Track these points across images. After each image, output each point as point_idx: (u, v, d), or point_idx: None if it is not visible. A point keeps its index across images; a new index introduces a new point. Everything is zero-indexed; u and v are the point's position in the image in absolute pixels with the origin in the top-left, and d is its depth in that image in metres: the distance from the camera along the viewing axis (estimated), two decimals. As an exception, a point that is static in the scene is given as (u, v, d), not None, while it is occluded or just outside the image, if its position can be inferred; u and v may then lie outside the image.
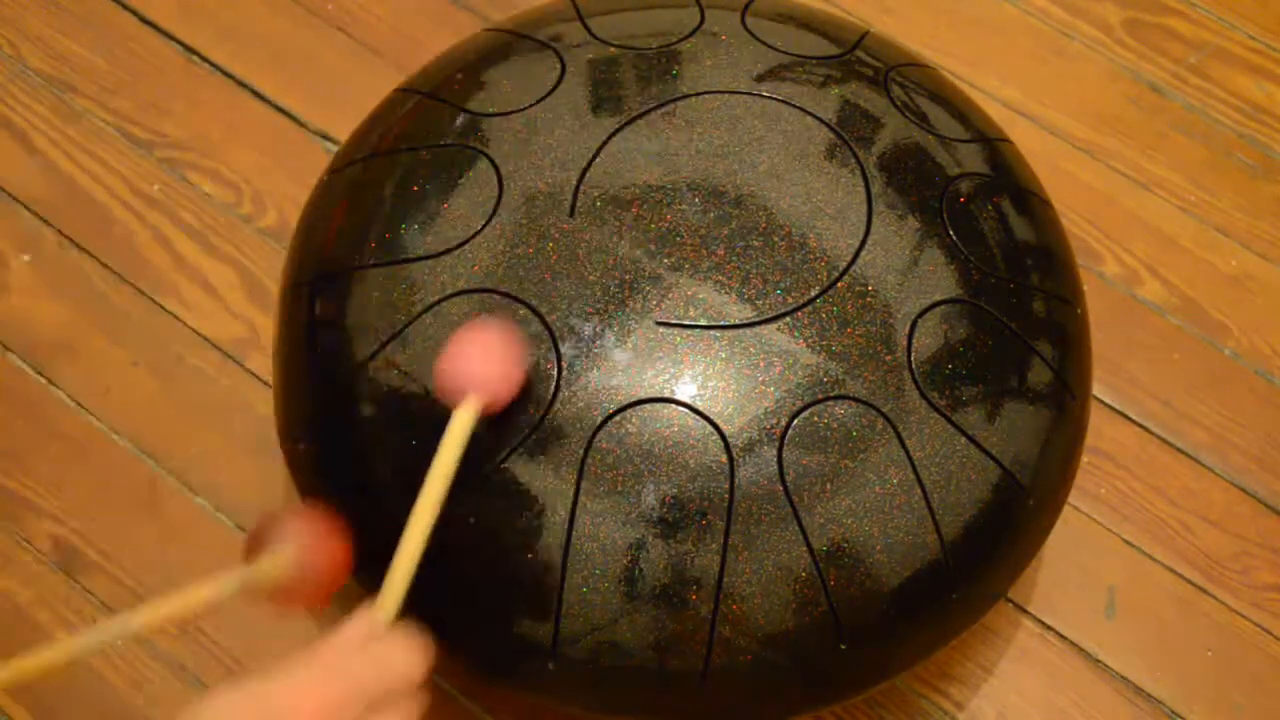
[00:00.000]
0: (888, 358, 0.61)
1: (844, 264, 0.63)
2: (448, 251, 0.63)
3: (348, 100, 0.94)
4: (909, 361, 0.62)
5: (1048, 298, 0.68)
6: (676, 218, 0.63)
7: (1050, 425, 0.66)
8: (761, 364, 0.60)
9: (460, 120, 0.68)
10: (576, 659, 0.61)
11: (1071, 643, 0.83)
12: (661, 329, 0.61)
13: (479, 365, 0.56)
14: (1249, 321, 0.94)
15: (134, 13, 1.04)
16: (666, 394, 0.59)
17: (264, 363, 0.90)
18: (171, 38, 1.03)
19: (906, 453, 0.60)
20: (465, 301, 0.62)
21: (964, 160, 0.69)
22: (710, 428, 0.59)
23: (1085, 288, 0.73)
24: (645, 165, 0.65)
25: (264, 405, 0.88)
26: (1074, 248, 0.74)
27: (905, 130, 0.69)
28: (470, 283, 0.62)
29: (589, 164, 0.65)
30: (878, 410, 0.60)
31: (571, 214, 0.63)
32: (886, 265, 0.63)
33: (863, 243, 0.64)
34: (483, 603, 0.62)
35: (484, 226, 0.64)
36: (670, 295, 0.61)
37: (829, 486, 0.59)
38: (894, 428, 0.60)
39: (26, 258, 0.94)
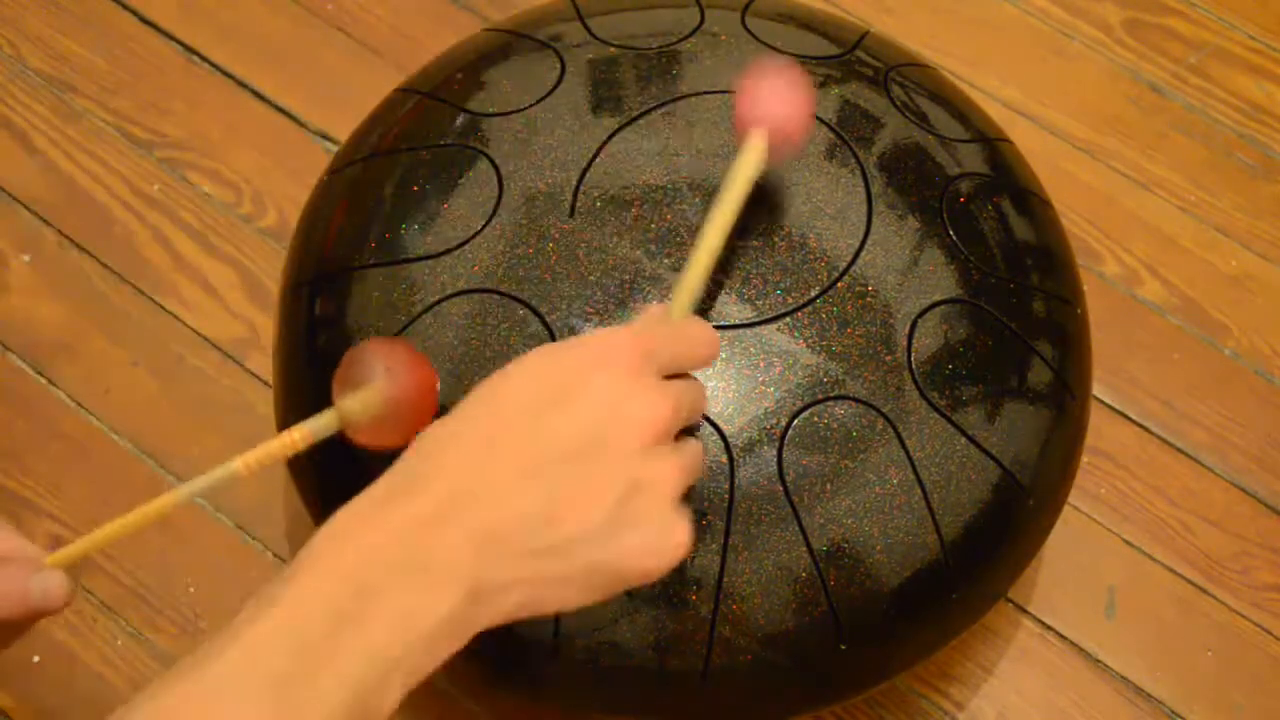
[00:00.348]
0: (888, 358, 0.61)
1: (844, 264, 0.63)
2: (448, 252, 0.63)
3: (348, 100, 0.94)
4: (909, 361, 0.62)
5: (1048, 298, 0.68)
6: (676, 218, 0.63)
7: (1050, 425, 0.66)
8: (761, 364, 0.60)
9: (460, 120, 0.68)
10: (576, 659, 0.61)
11: (1071, 643, 0.83)
12: (661, 329, 0.61)
13: (781, 101, 0.57)
14: (1249, 321, 0.94)
15: (134, 13, 1.04)
16: (666, 394, 0.59)
17: (264, 363, 0.90)
18: (171, 38, 1.03)
19: (906, 453, 0.60)
20: (465, 302, 0.62)
21: (964, 160, 0.69)
22: (710, 428, 0.59)
23: (1085, 288, 0.73)
24: (645, 165, 0.65)
25: (264, 405, 0.88)
26: (1074, 248, 0.74)
27: (905, 130, 0.69)
28: (470, 283, 0.62)
29: (589, 164, 0.65)
30: (878, 410, 0.60)
31: (571, 214, 0.63)
32: (886, 265, 0.63)
33: (863, 243, 0.64)
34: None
35: (484, 227, 0.64)
36: (670, 295, 0.61)
37: (829, 486, 0.59)
38: (894, 428, 0.60)
39: (26, 258, 0.94)
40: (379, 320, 0.63)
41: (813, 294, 0.62)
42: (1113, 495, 0.87)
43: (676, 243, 0.63)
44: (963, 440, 0.61)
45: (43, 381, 0.89)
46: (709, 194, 0.64)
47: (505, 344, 0.61)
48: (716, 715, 0.64)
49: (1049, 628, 0.83)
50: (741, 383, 0.60)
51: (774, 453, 0.59)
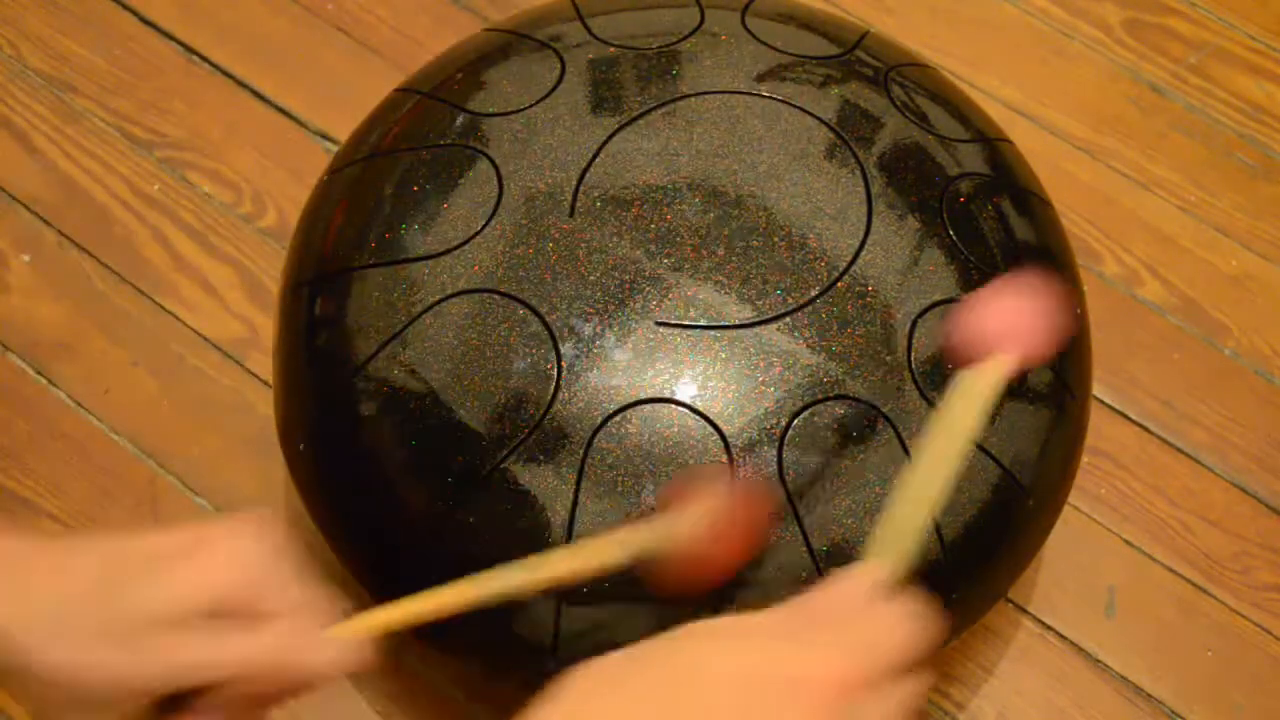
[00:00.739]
0: (888, 358, 0.61)
1: (844, 264, 0.63)
2: (448, 252, 0.63)
3: (348, 100, 0.94)
4: (909, 361, 0.62)
5: (1048, 298, 0.68)
6: (676, 218, 0.63)
7: (1050, 425, 0.66)
8: (761, 364, 0.60)
9: (460, 120, 0.68)
10: (576, 659, 0.61)
11: (1071, 643, 0.83)
12: (661, 329, 0.61)
13: (1023, 318, 0.49)
14: (1249, 321, 0.94)
15: (134, 13, 1.04)
16: (666, 394, 0.59)
17: (264, 363, 0.89)
18: (171, 38, 1.03)
19: (906, 453, 0.60)
20: (465, 302, 0.62)
21: (964, 160, 0.69)
22: (710, 428, 0.59)
23: (1085, 288, 0.73)
24: (645, 165, 0.65)
25: (264, 405, 0.88)
26: (1074, 248, 0.74)
27: (905, 130, 0.69)
28: (470, 283, 0.62)
29: (589, 164, 0.65)
30: (878, 410, 0.60)
31: (571, 214, 0.63)
32: (886, 265, 0.63)
33: (863, 243, 0.64)
34: (483, 603, 0.62)
35: (484, 227, 0.64)
36: (670, 295, 0.61)
37: (829, 486, 0.59)
38: (894, 428, 0.60)
39: (26, 258, 0.94)
40: (379, 320, 0.63)
41: (813, 294, 0.62)
42: (1113, 495, 0.87)
43: (676, 242, 0.63)
44: (963, 440, 0.61)
45: (43, 381, 0.89)
46: (709, 194, 0.64)
47: (505, 344, 0.61)
48: (716, 715, 0.64)
49: (1049, 628, 0.83)
50: (741, 383, 0.60)
51: (774, 453, 0.59)
